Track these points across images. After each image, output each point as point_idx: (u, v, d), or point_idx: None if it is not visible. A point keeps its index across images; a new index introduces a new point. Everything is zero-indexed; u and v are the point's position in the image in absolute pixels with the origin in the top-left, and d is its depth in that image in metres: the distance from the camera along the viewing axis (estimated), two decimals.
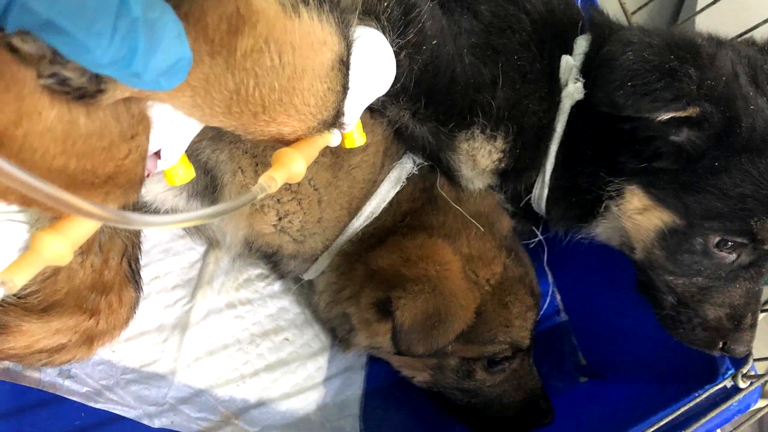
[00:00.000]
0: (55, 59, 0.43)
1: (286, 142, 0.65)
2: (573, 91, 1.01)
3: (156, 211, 1.02)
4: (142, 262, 1.10)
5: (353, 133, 0.76)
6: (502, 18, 1.02)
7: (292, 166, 0.62)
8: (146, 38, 0.43)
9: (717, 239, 0.98)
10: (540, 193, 1.12)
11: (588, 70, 1.00)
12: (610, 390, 1.40)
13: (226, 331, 1.25)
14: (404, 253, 1.03)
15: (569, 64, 1.03)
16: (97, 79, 0.46)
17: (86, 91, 0.46)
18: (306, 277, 1.19)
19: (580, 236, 1.16)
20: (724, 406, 1.05)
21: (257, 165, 0.96)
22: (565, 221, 1.14)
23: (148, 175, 0.59)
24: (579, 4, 1.17)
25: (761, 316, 1.08)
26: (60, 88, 0.45)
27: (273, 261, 1.20)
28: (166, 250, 1.22)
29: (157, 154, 0.62)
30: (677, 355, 1.15)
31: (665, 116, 0.92)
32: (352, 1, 0.79)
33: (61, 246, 0.45)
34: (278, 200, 1.02)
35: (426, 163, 1.12)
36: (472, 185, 1.14)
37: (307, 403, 1.29)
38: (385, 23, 0.82)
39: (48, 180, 0.39)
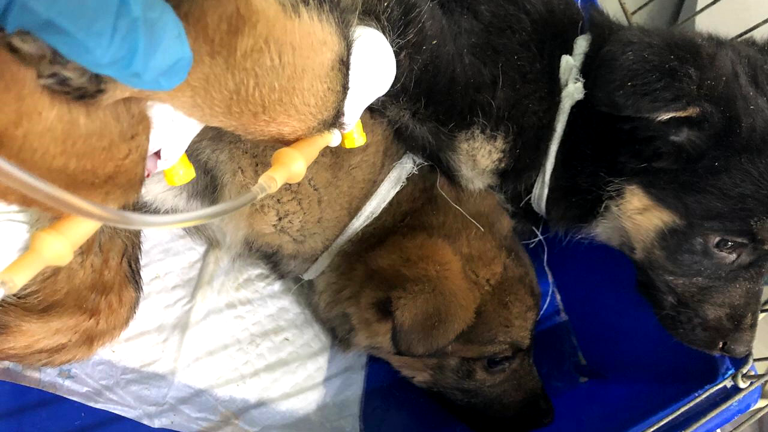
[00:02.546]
0: (55, 59, 0.43)
1: (286, 142, 0.65)
2: (573, 91, 1.01)
3: (156, 211, 1.02)
4: (142, 262, 1.10)
5: (353, 133, 0.76)
6: (502, 18, 1.02)
7: (292, 166, 0.62)
8: (146, 38, 0.43)
9: (717, 239, 0.98)
10: (540, 193, 1.12)
11: (588, 70, 1.00)
12: (610, 390, 1.40)
13: (226, 331, 1.25)
14: (404, 253, 1.03)
15: (569, 64, 1.03)
16: (97, 79, 0.46)
17: (86, 91, 0.46)
18: (306, 277, 1.19)
19: (580, 236, 1.16)
20: (724, 406, 1.05)
21: (257, 165, 0.96)
22: (565, 221, 1.14)
23: (148, 175, 0.59)
24: (579, 4, 1.17)
25: (761, 316, 1.08)
26: (60, 88, 0.45)
27: (273, 261, 1.20)
28: (166, 250, 1.22)
29: (157, 154, 0.62)
30: (677, 355, 1.15)
31: (665, 116, 0.92)
32: (352, 1, 0.79)
33: (61, 246, 0.45)
34: (278, 200, 1.02)
35: (426, 163, 1.12)
36: (472, 185, 1.14)
37: (307, 403, 1.29)
38: (385, 23, 0.82)
39: (48, 180, 0.39)
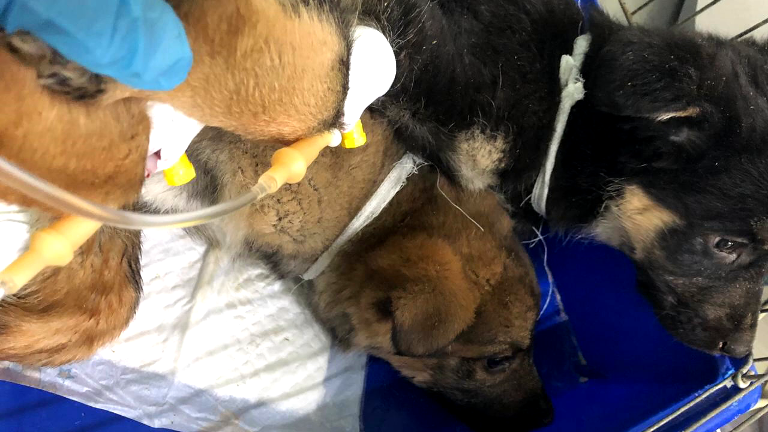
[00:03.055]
0: (55, 59, 0.43)
1: (286, 142, 0.65)
2: (573, 91, 1.01)
3: (156, 211, 1.02)
4: (142, 262, 1.10)
5: (353, 133, 0.76)
6: (502, 18, 1.02)
7: (292, 166, 0.62)
8: (146, 38, 0.43)
9: (717, 239, 0.98)
10: (540, 193, 1.12)
11: (588, 70, 1.00)
12: (610, 390, 1.40)
13: (226, 331, 1.25)
14: (404, 253, 1.03)
15: (569, 64, 1.03)
16: (97, 79, 0.46)
17: (86, 91, 0.46)
18: (306, 277, 1.19)
19: (580, 236, 1.16)
20: (724, 406, 1.05)
21: (257, 165, 0.96)
22: (565, 221, 1.14)
23: (148, 175, 0.59)
24: (579, 4, 1.17)
25: (761, 316, 1.08)
26: (60, 88, 0.45)
27: (273, 261, 1.20)
28: (166, 250, 1.22)
29: (157, 154, 0.62)
30: (677, 355, 1.15)
31: (665, 116, 0.93)
32: (352, 1, 0.79)
33: (61, 246, 0.45)
34: (278, 200, 1.02)
35: (426, 163, 1.12)
36: (472, 185, 1.14)
37: (307, 403, 1.29)
38: (385, 23, 0.82)
39: (48, 180, 0.39)
